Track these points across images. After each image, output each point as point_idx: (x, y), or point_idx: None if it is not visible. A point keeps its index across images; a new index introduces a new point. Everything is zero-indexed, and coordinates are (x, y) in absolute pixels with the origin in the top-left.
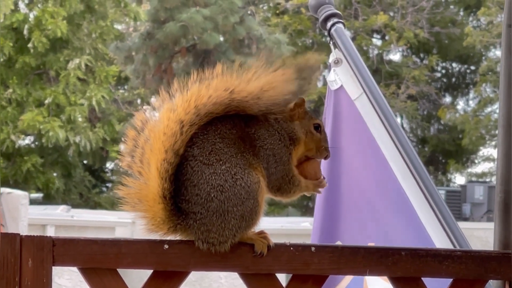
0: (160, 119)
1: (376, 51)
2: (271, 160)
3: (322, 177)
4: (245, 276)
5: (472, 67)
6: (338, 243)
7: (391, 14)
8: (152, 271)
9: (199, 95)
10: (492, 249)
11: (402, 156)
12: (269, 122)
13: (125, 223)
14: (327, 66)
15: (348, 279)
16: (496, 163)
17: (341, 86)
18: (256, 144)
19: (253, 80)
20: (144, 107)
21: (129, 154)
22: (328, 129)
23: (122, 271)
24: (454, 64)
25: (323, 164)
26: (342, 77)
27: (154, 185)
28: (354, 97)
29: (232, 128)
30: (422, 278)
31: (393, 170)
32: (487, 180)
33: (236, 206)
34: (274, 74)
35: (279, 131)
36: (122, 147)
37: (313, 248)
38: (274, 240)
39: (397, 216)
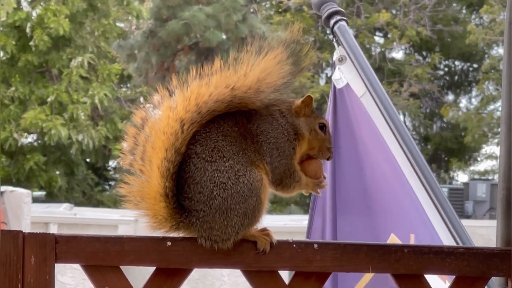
0: (160, 117)
1: (378, 49)
2: (274, 154)
3: (322, 177)
4: (247, 273)
5: (475, 65)
6: (392, 235)
7: (394, 12)
8: (154, 268)
9: (199, 93)
10: (494, 246)
11: (405, 153)
12: (273, 116)
13: (128, 221)
14: (329, 64)
15: (368, 277)
16: (498, 160)
17: (347, 84)
18: (259, 139)
19: (249, 73)
20: (144, 104)
21: (130, 152)
22: (336, 127)
23: (124, 269)
24: (456, 62)
25: (334, 162)
26: (347, 75)
27: (156, 183)
28: (360, 94)
29: (234, 126)
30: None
31: (401, 166)
32: (490, 177)
33: (239, 203)
34: (265, 60)
35: (283, 126)
36: (123, 144)
37: (315, 245)
38: (276, 238)
39: (415, 210)
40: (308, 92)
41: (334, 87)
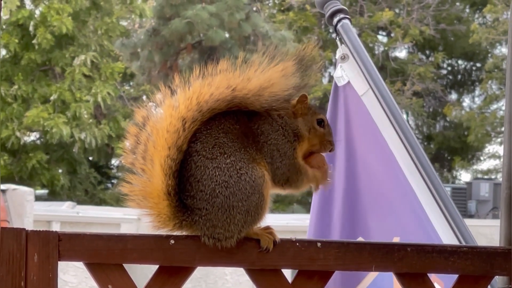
0: (163, 116)
1: (381, 48)
2: (275, 155)
3: (328, 166)
4: (251, 272)
5: (478, 64)
6: (360, 239)
7: (397, 11)
8: (157, 266)
9: (201, 92)
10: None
11: (409, 152)
12: (273, 118)
13: (130, 220)
14: (332, 63)
15: (371, 276)
16: (502, 159)
17: (348, 82)
18: (260, 139)
19: (253, 78)
20: (146, 103)
21: (131, 151)
22: (335, 124)
23: (126, 267)
24: (460, 61)
25: (336, 160)
26: (349, 73)
27: (158, 182)
28: (361, 93)
29: (235, 124)
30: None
31: (401, 166)
32: (493, 177)
33: (241, 201)
34: (273, 70)
35: (283, 127)
36: (125, 143)
37: (319, 244)
38: (279, 237)
39: (409, 211)
40: (311, 91)
41: (336, 84)
